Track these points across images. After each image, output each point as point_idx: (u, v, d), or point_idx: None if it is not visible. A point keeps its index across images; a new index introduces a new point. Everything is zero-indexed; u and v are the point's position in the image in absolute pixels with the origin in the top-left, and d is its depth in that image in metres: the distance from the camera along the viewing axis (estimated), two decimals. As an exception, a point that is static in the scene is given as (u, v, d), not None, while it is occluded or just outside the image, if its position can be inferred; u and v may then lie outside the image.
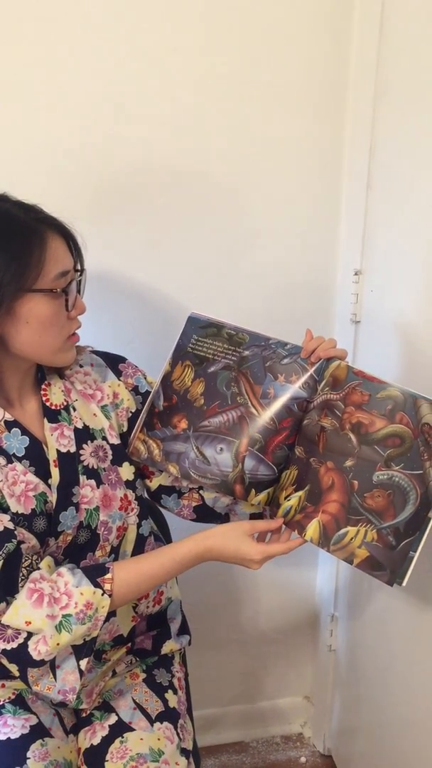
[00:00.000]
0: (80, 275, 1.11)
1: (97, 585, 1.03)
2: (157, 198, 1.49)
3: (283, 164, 1.53)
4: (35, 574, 1.03)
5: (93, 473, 1.14)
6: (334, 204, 1.59)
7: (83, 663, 1.03)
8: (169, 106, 1.44)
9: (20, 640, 1.00)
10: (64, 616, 1.00)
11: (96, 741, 1.12)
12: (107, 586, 1.04)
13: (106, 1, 1.36)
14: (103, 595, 1.03)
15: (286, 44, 1.46)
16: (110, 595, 1.03)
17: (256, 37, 1.44)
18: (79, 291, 1.12)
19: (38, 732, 1.09)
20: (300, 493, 1.15)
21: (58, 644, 0.99)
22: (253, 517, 1.25)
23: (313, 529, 1.11)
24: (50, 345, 1.07)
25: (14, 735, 1.07)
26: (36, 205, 1.07)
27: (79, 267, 1.11)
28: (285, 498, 1.17)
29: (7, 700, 1.13)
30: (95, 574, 1.05)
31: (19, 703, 1.13)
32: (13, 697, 1.13)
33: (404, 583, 1.03)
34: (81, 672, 1.03)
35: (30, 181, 1.37)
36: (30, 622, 0.99)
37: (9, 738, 1.07)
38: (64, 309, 1.07)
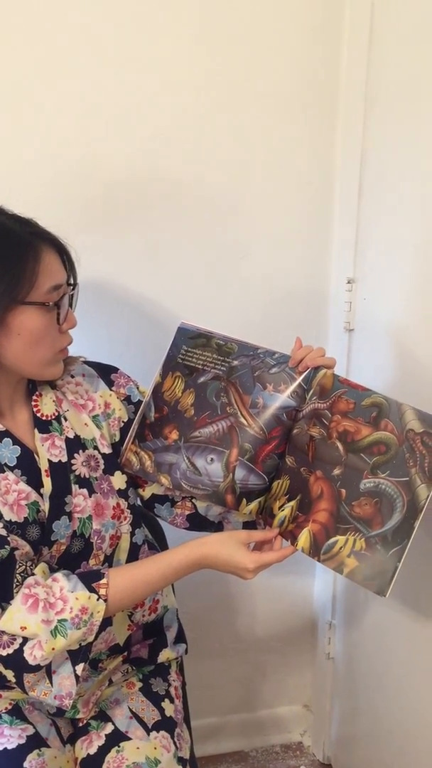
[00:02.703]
0: (73, 289, 1.13)
1: (92, 590, 1.04)
2: (150, 208, 1.50)
3: (275, 174, 1.55)
4: (30, 580, 1.03)
5: (85, 482, 1.15)
6: (327, 213, 1.60)
7: (79, 668, 1.03)
8: (162, 116, 1.46)
9: (16, 645, 1.00)
10: (59, 621, 1.01)
11: (92, 750, 1.13)
12: (102, 591, 1.04)
13: (101, 13, 1.38)
14: (98, 600, 1.04)
15: (278, 56, 1.47)
16: (105, 600, 1.04)
17: (248, 48, 1.46)
18: (71, 305, 1.13)
19: (35, 742, 1.10)
20: (292, 503, 1.15)
21: (53, 649, 1.00)
22: (247, 525, 1.25)
23: (304, 538, 1.12)
24: (40, 358, 1.08)
25: (11, 745, 1.08)
26: (31, 219, 1.08)
27: (72, 281, 1.13)
28: (279, 508, 1.17)
29: (3, 711, 1.13)
30: (90, 579, 1.06)
31: (16, 713, 1.13)
32: (9, 707, 1.14)
33: (387, 594, 1.03)
34: (77, 677, 1.03)
35: (25, 193, 1.39)
36: (25, 627, 0.99)
37: (5, 748, 1.07)
38: (56, 322, 1.08)
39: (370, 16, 1.41)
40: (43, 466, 1.11)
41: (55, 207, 1.44)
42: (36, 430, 1.12)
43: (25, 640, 1.00)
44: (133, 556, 1.21)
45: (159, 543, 1.40)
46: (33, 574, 1.05)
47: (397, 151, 1.37)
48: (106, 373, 1.25)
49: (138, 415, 1.22)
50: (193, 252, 1.55)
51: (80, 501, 1.13)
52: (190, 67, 1.44)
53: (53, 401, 1.16)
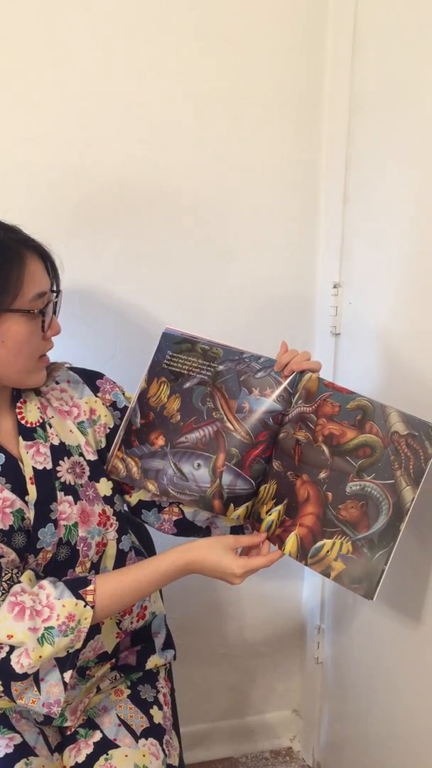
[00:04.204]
0: (56, 296, 1.13)
1: (79, 597, 1.04)
2: (136, 214, 1.51)
3: (261, 179, 1.55)
4: (16, 588, 1.03)
5: (70, 489, 1.14)
6: (312, 218, 1.60)
7: (67, 675, 1.03)
8: (147, 124, 1.46)
9: (2, 654, 1.00)
10: (46, 628, 1.00)
11: (81, 759, 1.12)
12: (89, 598, 1.04)
13: (84, 23, 1.38)
14: (85, 606, 1.03)
15: (263, 62, 1.48)
16: (92, 607, 1.04)
17: (232, 55, 1.46)
18: (54, 312, 1.13)
19: (23, 751, 1.09)
20: (279, 507, 1.15)
21: (40, 657, 0.99)
22: (234, 529, 1.25)
23: (291, 542, 1.12)
24: (23, 365, 1.08)
25: (-2, 754, 1.07)
26: (16, 226, 1.08)
27: (55, 288, 1.13)
28: (266, 512, 1.17)
29: (-10, 720, 1.13)
30: (77, 586, 1.05)
31: (3, 722, 1.13)
32: (-4, 716, 1.13)
33: (374, 598, 1.03)
34: (65, 684, 1.03)
35: (9, 199, 1.40)
36: (12, 636, 0.99)
37: (-7, 757, 1.07)
38: (40, 329, 1.08)
39: (353, 24, 1.42)
40: (28, 473, 1.10)
41: (42, 213, 1.44)
42: (20, 438, 1.12)
43: (12, 648, 1.00)
44: (120, 562, 1.21)
45: (146, 549, 1.40)
46: (19, 582, 1.04)
47: (382, 156, 1.37)
48: (91, 379, 1.25)
49: (124, 421, 1.22)
50: (179, 257, 1.56)
51: (66, 508, 1.13)
52: (177, 76, 1.45)
53: (38, 408, 1.16)
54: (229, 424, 1.18)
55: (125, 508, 1.27)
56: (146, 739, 1.15)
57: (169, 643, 1.35)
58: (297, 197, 1.58)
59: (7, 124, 1.40)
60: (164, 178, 1.50)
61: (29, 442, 1.12)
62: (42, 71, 1.39)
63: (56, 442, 1.15)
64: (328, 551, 1.08)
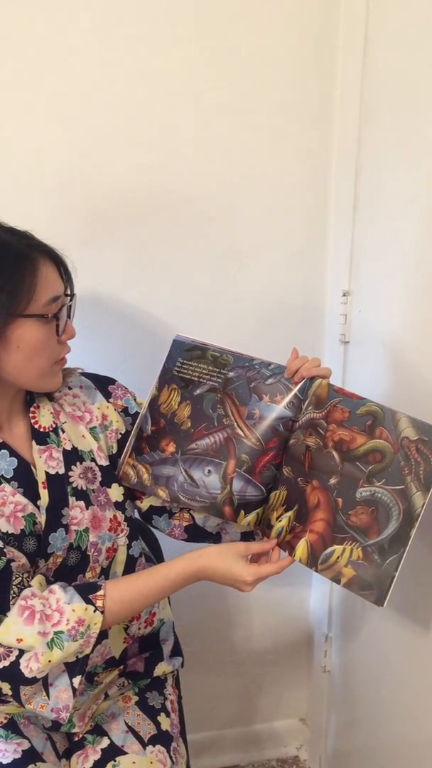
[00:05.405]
0: (70, 300, 1.13)
1: (89, 602, 1.04)
2: (146, 222, 1.51)
3: (271, 187, 1.56)
4: (27, 592, 1.03)
5: (82, 494, 1.15)
6: (322, 226, 1.60)
7: (76, 681, 1.03)
8: (156, 131, 1.46)
9: (12, 658, 1.00)
10: (55, 633, 1.00)
11: (88, 765, 1.12)
12: (99, 603, 1.04)
13: (93, 28, 1.39)
14: (95, 611, 1.03)
15: (273, 69, 1.48)
16: (102, 612, 1.04)
17: (243, 62, 1.47)
18: (69, 315, 1.13)
19: (30, 756, 1.09)
20: (289, 513, 1.15)
21: (49, 661, 0.99)
22: (245, 535, 1.25)
23: (301, 549, 1.12)
24: (39, 369, 1.09)
25: (6, 760, 1.07)
26: (27, 232, 1.09)
27: (69, 292, 1.13)
28: (276, 519, 1.18)
29: (-1, 725, 1.13)
30: (87, 591, 1.05)
31: (11, 727, 1.12)
32: (5, 721, 1.13)
33: (385, 604, 1.03)
34: (74, 690, 1.03)
35: (20, 207, 1.40)
36: (21, 640, 0.99)
37: (1, 763, 1.06)
38: (55, 334, 1.09)
39: (364, 32, 1.43)
40: (40, 478, 1.11)
41: (52, 221, 1.44)
42: (33, 442, 1.13)
43: (22, 652, 1.00)
44: (130, 568, 1.21)
45: (154, 555, 1.40)
46: (29, 586, 1.05)
47: (392, 165, 1.38)
48: (103, 384, 1.26)
49: (134, 428, 1.22)
50: (189, 265, 1.56)
51: (77, 513, 1.13)
52: (185, 81, 1.45)
53: (51, 413, 1.16)
54: (239, 431, 1.18)
55: (136, 513, 1.27)
56: (154, 746, 1.15)
57: (176, 651, 1.35)
58: (306, 205, 1.59)
59: (16, 134, 1.41)
60: (173, 186, 1.50)
61: (42, 447, 1.13)
62: (53, 80, 1.39)
63: (69, 447, 1.15)
64: (338, 557, 1.08)
